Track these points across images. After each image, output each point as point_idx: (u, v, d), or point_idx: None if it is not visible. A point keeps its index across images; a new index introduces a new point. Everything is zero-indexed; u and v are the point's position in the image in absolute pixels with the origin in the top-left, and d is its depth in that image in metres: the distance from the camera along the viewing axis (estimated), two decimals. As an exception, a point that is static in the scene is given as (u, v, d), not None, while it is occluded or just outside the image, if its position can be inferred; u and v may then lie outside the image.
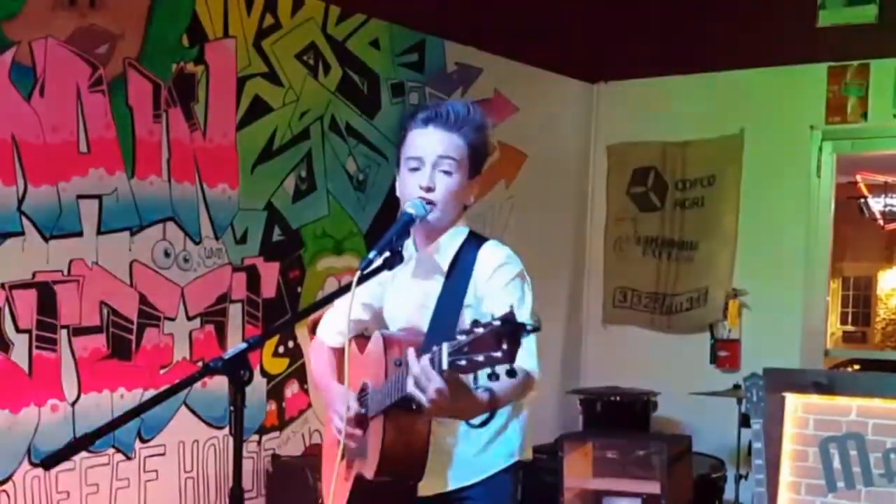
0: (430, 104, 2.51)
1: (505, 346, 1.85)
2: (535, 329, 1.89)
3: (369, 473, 2.35)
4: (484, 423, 2.25)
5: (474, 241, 2.44)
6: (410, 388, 2.05)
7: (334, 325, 2.63)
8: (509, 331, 1.85)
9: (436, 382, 2.00)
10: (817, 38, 5.06)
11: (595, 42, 5.60)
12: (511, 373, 1.88)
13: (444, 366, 1.94)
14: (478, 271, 2.38)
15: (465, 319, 2.36)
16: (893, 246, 11.17)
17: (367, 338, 2.62)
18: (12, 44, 3.20)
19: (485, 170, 2.49)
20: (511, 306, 1.91)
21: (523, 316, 2.23)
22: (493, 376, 1.89)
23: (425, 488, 2.42)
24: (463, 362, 1.90)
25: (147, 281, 3.62)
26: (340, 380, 2.56)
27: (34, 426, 3.31)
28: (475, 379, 2.10)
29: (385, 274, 2.32)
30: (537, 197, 5.33)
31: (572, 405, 5.11)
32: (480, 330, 1.88)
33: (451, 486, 2.45)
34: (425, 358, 2.02)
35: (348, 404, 2.38)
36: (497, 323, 1.86)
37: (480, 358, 1.88)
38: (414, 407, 2.18)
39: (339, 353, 2.62)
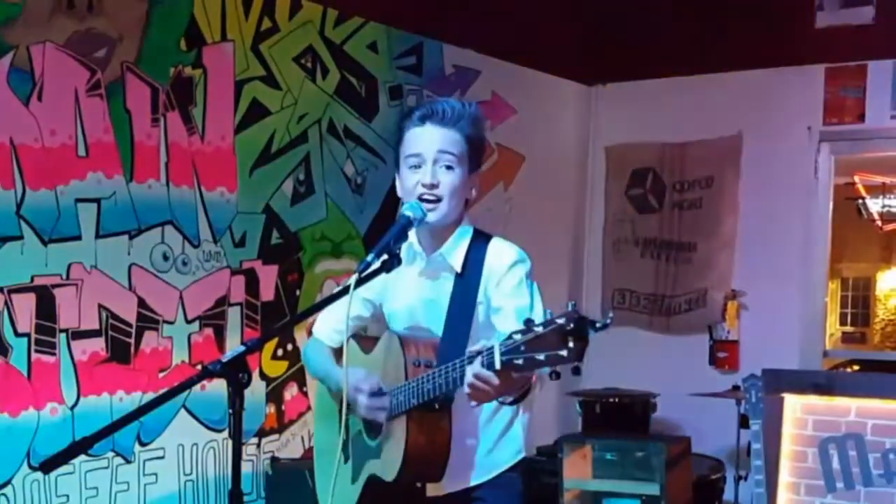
0: (425, 102, 2.52)
1: (571, 345, 1.86)
2: (605, 326, 1.88)
3: (389, 475, 2.33)
4: (515, 402, 2.28)
5: (481, 238, 2.46)
6: (468, 391, 2.07)
7: (331, 323, 2.61)
8: (576, 329, 1.86)
9: (493, 382, 2.02)
10: (815, 39, 5.07)
11: (592, 44, 5.61)
12: (577, 370, 1.89)
13: (497, 366, 1.95)
14: (488, 268, 2.39)
15: (479, 316, 2.37)
16: (892, 247, 11.14)
17: (366, 337, 2.62)
18: (10, 48, 3.20)
19: (484, 167, 2.51)
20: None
21: (536, 317, 2.26)
22: (554, 375, 1.91)
23: (435, 488, 2.42)
24: (520, 361, 1.91)
25: (146, 284, 3.62)
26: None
27: (33, 430, 3.30)
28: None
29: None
30: (535, 199, 5.33)
31: (571, 406, 5.11)
32: (540, 329, 1.89)
33: (462, 486, 2.44)
34: (477, 362, 2.03)
35: (368, 383, 2.38)
36: (561, 321, 1.87)
37: (542, 357, 1.89)
38: (437, 407, 2.20)
39: (336, 352, 2.60)
